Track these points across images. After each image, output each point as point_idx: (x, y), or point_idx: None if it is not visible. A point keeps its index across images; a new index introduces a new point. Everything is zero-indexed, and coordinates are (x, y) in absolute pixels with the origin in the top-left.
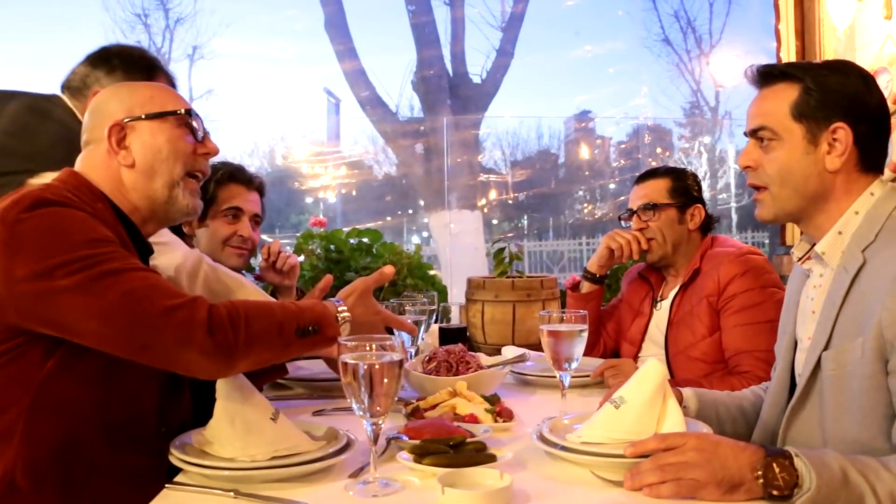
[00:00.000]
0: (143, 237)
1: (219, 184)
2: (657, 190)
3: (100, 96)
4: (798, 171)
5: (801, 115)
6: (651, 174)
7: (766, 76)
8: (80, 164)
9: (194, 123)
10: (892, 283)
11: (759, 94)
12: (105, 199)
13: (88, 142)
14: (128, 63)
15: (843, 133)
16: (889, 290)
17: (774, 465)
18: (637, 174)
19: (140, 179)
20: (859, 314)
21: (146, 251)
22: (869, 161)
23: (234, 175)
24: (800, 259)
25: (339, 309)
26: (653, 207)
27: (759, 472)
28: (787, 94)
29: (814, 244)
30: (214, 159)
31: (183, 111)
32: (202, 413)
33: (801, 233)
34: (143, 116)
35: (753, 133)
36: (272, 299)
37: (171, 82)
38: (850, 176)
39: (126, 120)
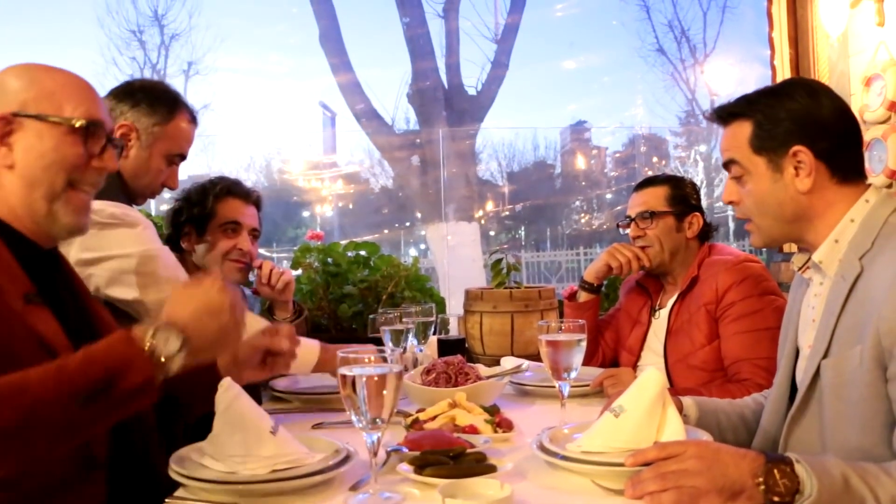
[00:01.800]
0: (36, 244)
1: (217, 198)
2: (655, 197)
3: (1, 75)
4: (771, 200)
5: (759, 148)
6: (650, 182)
7: (720, 118)
8: None
9: (91, 137)
10: (889, 291)
11: (723, 132)
12: None
13: None
14: (151, 97)
15: (803, 155)
16: (886, 298)
17: (776, 471)
18: (634, 183)
19: (20, 186)
20: (857, 322)
21: (47, 257)
22: (843, 171)
23: (232, 189)
24: (800, 268)
25: (153, 332)
26: (651, 215)
27: (760, 479)
28: (742, 132)
29: (809, 255)
30: (211, 174)
31: (79, 124)
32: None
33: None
34: (35, 115)
35: (726, 167)
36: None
37: (193, 118)
38: (826, 191)
39: (14, 114)
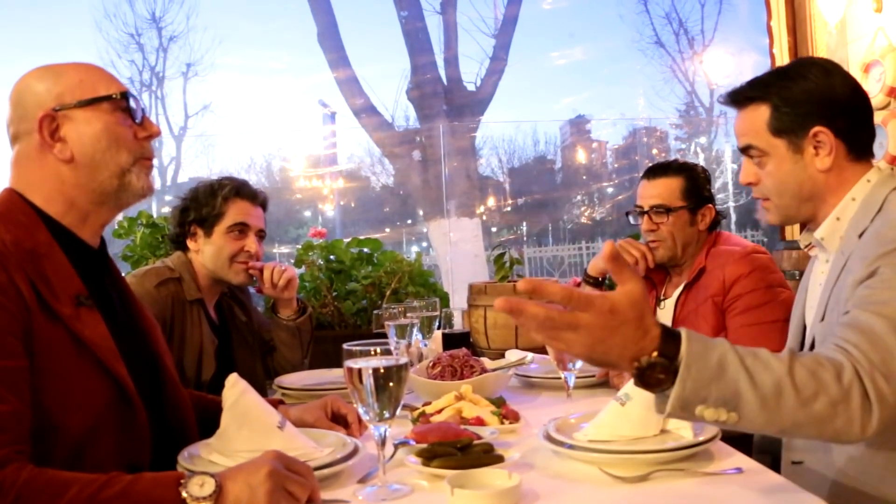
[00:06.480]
0: (86, 244)
1: (225, 199)
2: (670, 190)
3: (22, 83)
4: (792, 180)
5: (778, 131)
6: (663, 170)
7: (736, 102)
8: (13, 168)
9: (132, 105)
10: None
11: (738, 114)
12: (41, 221)
13: (17, 136)
14: None
15: (823, 135)
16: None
17: (657, 366)
18: (637, 175)
19: (82, 174)
20: (844, 287)
21: (97, 257)
22: (857, 149)
23: (240, 190)
24: (806, 246)
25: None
26: (666, 211)
27: (636, 365)
28: (760, 115)
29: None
30: (212, 175)
31: (118, 95)
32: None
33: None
34: (75, 104)
35: (744, 151)
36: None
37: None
38: (843, 168)
39: (56, 109)
